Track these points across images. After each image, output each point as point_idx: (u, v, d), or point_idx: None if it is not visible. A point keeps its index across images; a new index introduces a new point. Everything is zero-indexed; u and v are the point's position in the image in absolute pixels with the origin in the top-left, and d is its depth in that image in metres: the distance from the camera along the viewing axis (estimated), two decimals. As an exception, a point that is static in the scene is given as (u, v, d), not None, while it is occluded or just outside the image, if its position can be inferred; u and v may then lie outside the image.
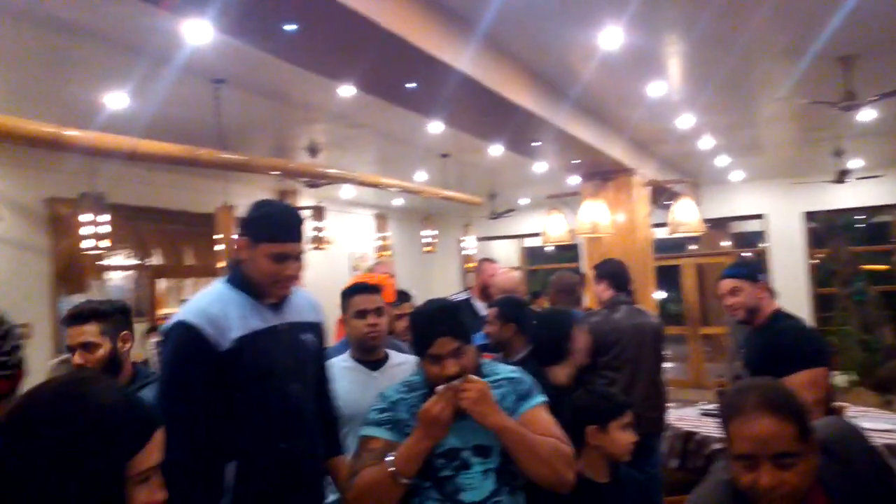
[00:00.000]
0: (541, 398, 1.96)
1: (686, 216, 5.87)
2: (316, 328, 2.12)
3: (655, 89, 4.52)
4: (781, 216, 8.91)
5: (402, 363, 2.53)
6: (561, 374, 2.70)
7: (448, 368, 1.81)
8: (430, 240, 8.20)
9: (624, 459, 2.19)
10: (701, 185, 8.84)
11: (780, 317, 2.90)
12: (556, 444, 1.85)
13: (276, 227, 1.92)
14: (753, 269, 3.01)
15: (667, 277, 8.90)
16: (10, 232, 5.17)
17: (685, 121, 5.45)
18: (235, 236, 1.98)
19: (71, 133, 3.70)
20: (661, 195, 6.72)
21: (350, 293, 2.53)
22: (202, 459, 1.77)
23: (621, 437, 2.17)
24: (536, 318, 2.99)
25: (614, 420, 2.17)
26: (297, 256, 1.94)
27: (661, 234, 7.32)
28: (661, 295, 8.49)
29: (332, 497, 2.27)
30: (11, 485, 0.88)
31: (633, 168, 6.11)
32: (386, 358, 2.54)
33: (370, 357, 2.50)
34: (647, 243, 6.40)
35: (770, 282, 3.01)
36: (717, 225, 9.35)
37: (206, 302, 1.91)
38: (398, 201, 9.16)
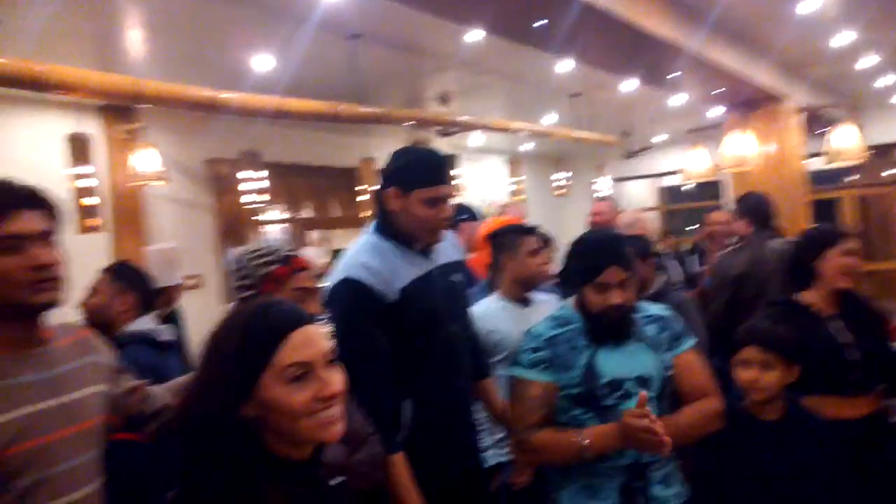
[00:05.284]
0: (692, 340, 1.98)
1: (845, 143, 5.40)
2: (461, 266, 2.18)
3: (807, 5, 4.15)
4: (960, 138, 7.96)
5: (545, 301, 2.60)
6: (812, 298, 2.38)
7: (613, 298, 1.83)
8: (562, 182, 8.12)
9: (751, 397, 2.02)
10: (861, 110, 8.03)
11: None
12: (703, 411, 1.89)
13: (428, 171, 1.93)
14: None
15: (825, 212, 8.26)
16: (177, 192, 5.69)
17: (843, 38, 4.97)
18: (378, 188, 1.99)
19: (226, 95, 3.99)
20: (816, 122, 6.21)
21: (520, 232, 2.58)
22: (385, 400, 1.85)
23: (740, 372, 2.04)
24: (798, 238, 2.70)
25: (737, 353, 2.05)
26: (448, 198, 1.94)
27: (817, 165, 6.79)
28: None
29: (488, 440, 2.40)
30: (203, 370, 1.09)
31: (782, 94, 5.68)
32: (529, 298, 2.62)
33: (521, 296, 2.58)
34: (800, 175, 5.97)
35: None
36: (881, 153, 8.50)
37: (365, 256, 1.92)
38: (529, 146, 9.09)
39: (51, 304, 1.30)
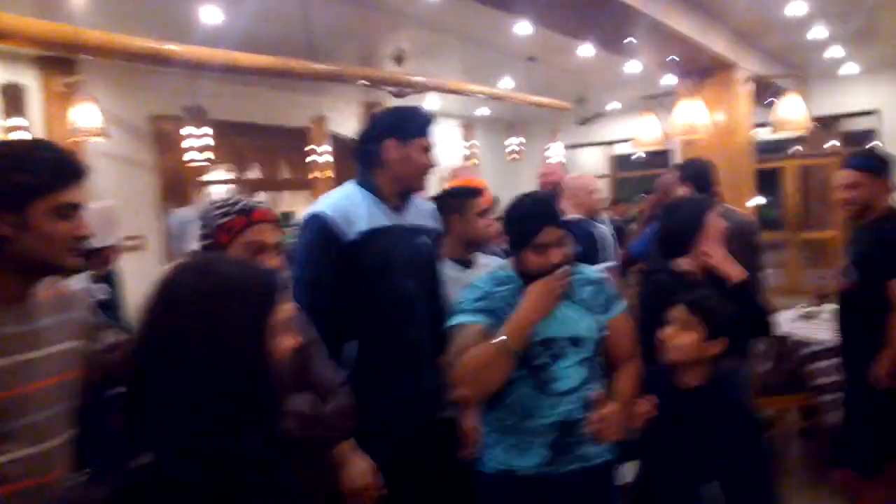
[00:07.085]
0: (624, 304, 2.07)
1: (791, 113, 5.52)
2: (432, 233, 2.30)
3: (763, -27, 4.19)
4: (897, 111, 8.23)
5: (488, 263, 2.61)
6: (687, 265, 2.36)
7: (553, 257, 1.86)
8: (515, 148, 8.11)
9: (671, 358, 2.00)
10: (809, 81, 8.23)
11: (894, 215, 2.71)
12: (633, 377, 1.98)
13: (423, 123, 2.18)
14: (882, 163, 2.68)
15: (767, 181, 8.48)
16: (118, 149, 5.46)
17: (795, 8, 5.04)
18: (366, 143, 2.17)
19: (171, 47, 3.82)
20: (765, 92, 6.32)
21: (468, 195, 2.60)
22: (324, 335, 1.91)
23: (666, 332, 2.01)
24: (667, 206, 2.71)
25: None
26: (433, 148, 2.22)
27: (764, 135, 6.93)
28: (760, 200, 8.12)
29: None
30: (164, 356, 0.99)
31: (734, 63, 5.75)
32: (473, 259, 2.63)
33: (464, 256, 2.59)
34: (747, 145, 6.09)
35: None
36: (825, 124, 8.75)
37: (338, 197, 2.16)
38: (483, 111, 9.03)
39: (77, 270, 1.41)
